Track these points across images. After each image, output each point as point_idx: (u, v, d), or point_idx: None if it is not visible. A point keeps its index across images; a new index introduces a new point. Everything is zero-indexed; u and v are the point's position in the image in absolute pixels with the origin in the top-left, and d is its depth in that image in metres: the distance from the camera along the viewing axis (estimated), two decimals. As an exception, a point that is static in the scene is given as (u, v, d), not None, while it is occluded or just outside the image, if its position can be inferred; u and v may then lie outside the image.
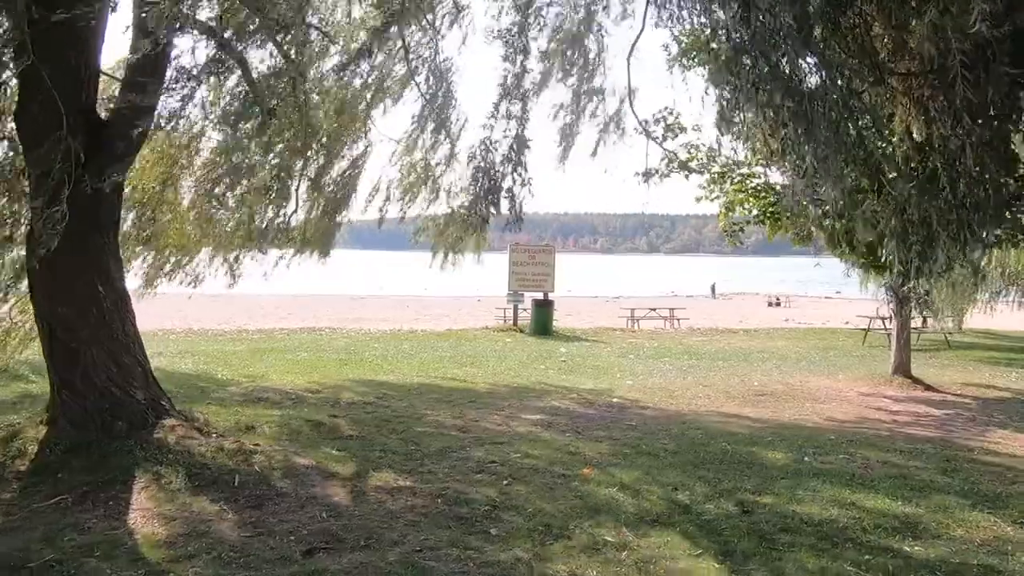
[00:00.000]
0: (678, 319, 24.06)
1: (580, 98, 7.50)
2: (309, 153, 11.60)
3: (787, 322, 28.54)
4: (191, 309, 33.05)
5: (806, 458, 7.03)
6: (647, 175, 11.62)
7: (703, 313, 30.95)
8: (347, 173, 12.54)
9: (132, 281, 12.39)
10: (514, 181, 6.91)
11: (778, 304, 49.82)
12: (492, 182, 6.70)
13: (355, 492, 5.77)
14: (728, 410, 9.73)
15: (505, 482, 6.08)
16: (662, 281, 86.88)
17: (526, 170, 6.94)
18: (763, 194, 11.77)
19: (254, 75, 9.08)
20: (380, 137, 12.47)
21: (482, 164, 6.28)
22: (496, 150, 6.35)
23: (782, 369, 13.79)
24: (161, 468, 5.98)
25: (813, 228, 11.75)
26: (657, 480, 6.26)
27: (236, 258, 12.03)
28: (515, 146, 6.15)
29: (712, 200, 12.78)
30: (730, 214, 12.18)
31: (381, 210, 12.39)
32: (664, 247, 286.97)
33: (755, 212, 12.00)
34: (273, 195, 11.31)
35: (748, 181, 12.03)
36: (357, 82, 11.05)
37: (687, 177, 11.87)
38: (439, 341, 17.72)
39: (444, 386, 11.17)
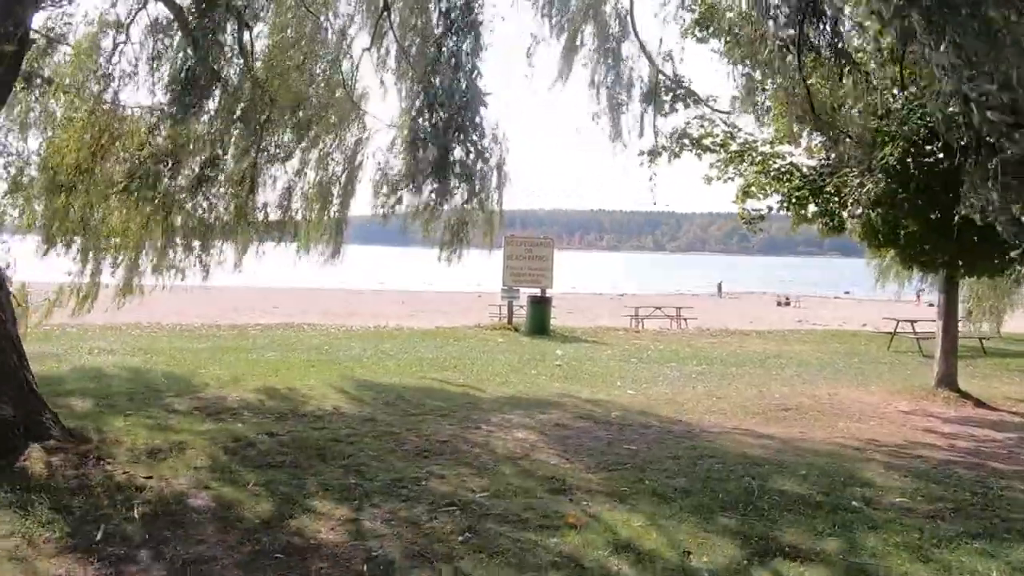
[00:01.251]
0: (685, 319, 22.52)
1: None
2: (286, 135, 10.15)
3: (800, 323, 26.98)
4: (175, 302, 31.72)
5: (855, 501, 5.50)
6: (654, 153, 10.13)
7: (711, 313, 29.41)
8: (336, 157, 11.09)
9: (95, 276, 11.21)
10: (467, 151, 5.46)
11: (787, 304, 48.29)
12: (440, 152, 5.22)
13: (253, 554, 4.26)
14: (748, 429, 8.21)
15: (462, 538, 4.56)
16: (667, 279, 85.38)
17: (483, 135, 5.48)
18: (788, 177, 10.23)
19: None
20: (376, 125, 11.16)
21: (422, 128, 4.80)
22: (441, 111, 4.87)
23: (804, 378, 12.24)
24: (6, 512, 4.49)
25: (847, 217, 10.23)
26: (665, 534, 4.74)
27: (202, 248, 10.59)
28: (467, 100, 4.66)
29: (725, 181, 11.24)
30: (748, 200, 10.63)
31: (380, 203, 10.95)
32: (670, 245, 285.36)
33: (779, 197, 10.45)
34: (241, 180, 9.86)
35: (771, 162, 10.48)
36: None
37: (700, 156, 10.34)
38: (424, 340, 16.22)
39: (418, 394, 9.67)
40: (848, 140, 9.01)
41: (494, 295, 22.67)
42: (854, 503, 5.45)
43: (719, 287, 61.09)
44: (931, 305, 48.25)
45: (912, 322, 16.77)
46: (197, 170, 8.37)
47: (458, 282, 57.52)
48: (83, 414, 7.72)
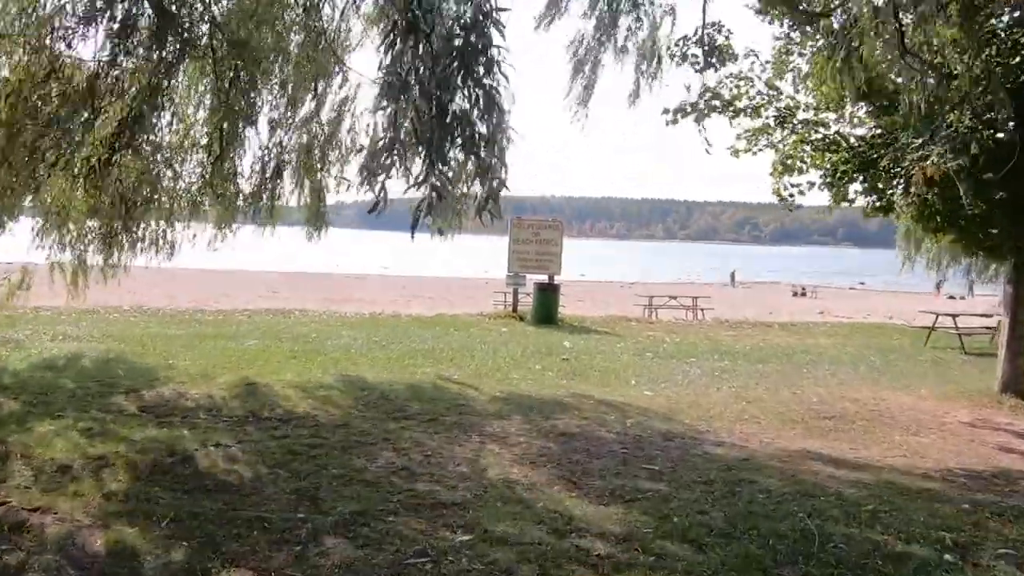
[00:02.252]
0: (702, 309, 21.20)
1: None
2: (263, 93, 8.90)
3: (822, 315, 25.61)
4: (168, 286, 30.59)
5: (948, 554, 4.24)
6: (678, 113, 8.84)
7: (727, 302, 28.06)
8: (319, 119, 9.82)
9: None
10: (471, 99, 4.20)
11: (803, 294, 46.86)
12: (429, 104, 3.92)
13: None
14: (788, 443, 6.95)
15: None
16: (678, 267, 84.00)
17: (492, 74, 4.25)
18: (835, 148, 8.90)
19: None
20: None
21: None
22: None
23: (840, 377, 10.95)
24: None
25: (897, 200, 8.92)
26: (705, 605, 3.52)
27: (166, 225, 9.39)
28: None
29: (756, 152, 9.92)
30: (785, 175, 9.31)
31: (363, 180, 9.69)
32: (680, 233, 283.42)
33: (822, 171, 9.12)
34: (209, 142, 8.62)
35: (813, 131, 9.16)
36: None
37: (731, 120, 9.03)
38: (422, 329, 15.01)
39: (405, 393, 8.46)
40: (912, 102, 7.69)
41: (502, 282, 21.46)
42: (947, 557, 4.19)
43: (732, 276, 59.64)
44: (951, 297, 46.89)
45: (954, 316, 15.41)
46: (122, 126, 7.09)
47: (465, 267, 56.61)
48: (3, 417, 6.56)
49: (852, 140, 9.04)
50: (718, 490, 5.31)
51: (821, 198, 10.13)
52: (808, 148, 9.16)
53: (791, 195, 9.32)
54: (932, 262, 23.11)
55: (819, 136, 9.16)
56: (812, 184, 9.24)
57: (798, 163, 9.21)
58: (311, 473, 5.35)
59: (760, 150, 9.89)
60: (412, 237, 4.78)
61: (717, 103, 8.96)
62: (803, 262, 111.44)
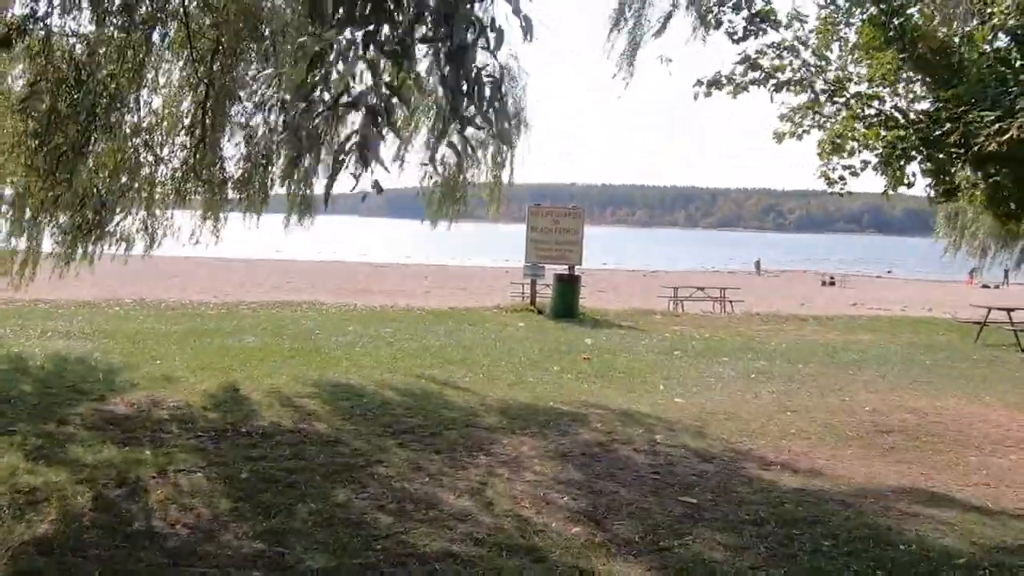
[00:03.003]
0: (730, 301, 20.11)
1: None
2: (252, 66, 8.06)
3: (856, 307, 24.38)
4: (184, 277, 30.07)
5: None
6: (712, 85, 7.84)
7: (755, 293, 26.91)
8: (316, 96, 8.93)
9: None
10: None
11: (832, 283, 45.46)
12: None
13: None
14: (847, 466, 5.97)
15: None
16: (701, 256, 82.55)
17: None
18: (893, 124, 7.82)
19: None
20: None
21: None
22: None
23: (891, 380, 9.91)
24: None
25: (963, 182, 7.83)
26: None
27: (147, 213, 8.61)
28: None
29: (801, 135, 8.89)
30: (834, 155, 8.23)
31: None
32: (703, 221, 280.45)
33: (876, 151, 8.03)
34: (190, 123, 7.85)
35: (866, 106, 8.08)
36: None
37: (772, 95, 7.98)
38: (434, 324, 14.14)
39: (407, 401, 7.59)
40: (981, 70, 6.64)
41: (520, 272, 20.49)
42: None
43: (757, 264, 58.20)
44: (985, 286, 45.15)
45: (1009, 310, 14.22)
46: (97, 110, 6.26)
47: (489, 257, 55.70)
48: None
49: (912, 115, 7.95)
50: (772, 535, 4.36)
51: (865, 184, 9.04)
52: (860, 125, 8.07)
53: (841, 178, 8.24)
54: (976, 249, 21.79)
55: (873, 111, 8.07)
56: (866, 164, 8.15)
57: (849, 142, 8.12)
58: (283, 509, 4.48)
59: (806, 132, 8.82)
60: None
61: (756, 75, 7.91)
62: (828, 250, 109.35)
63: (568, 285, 16.52)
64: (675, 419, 7.30)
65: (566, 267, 17.17)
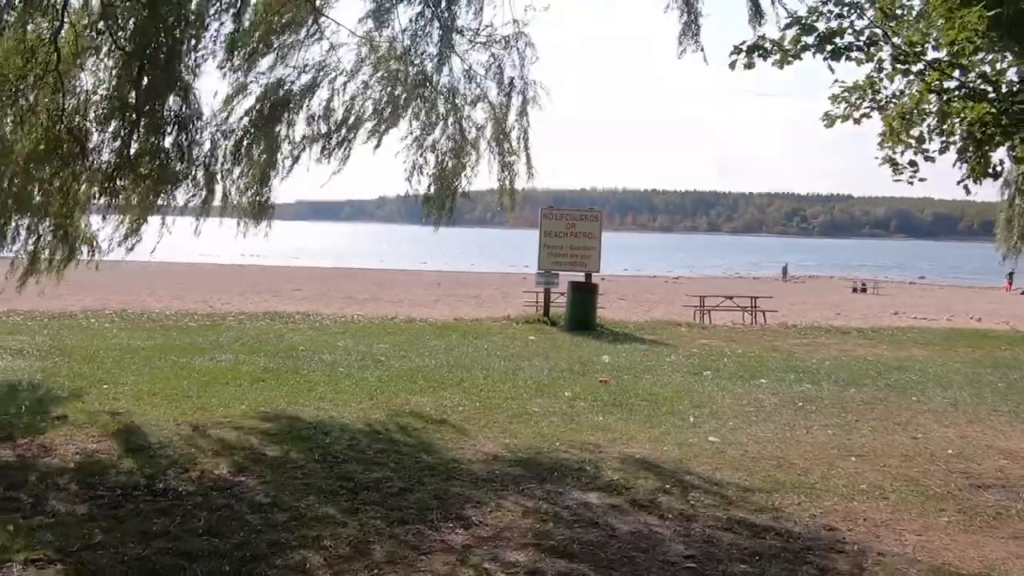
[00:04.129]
0: (762, 311, 18.50)
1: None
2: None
3: (898, 316, 22.65)
4: (190, 281, 29.03)
5: None
6: (754, 52, 6.37)
7: (785, 301, 25.22)
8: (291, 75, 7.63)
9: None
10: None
11: (864, 290, 43.51)
12: None
13: None
14: (948, 546, 4.45)
15: None
16: (724, 261, 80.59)
17: None
18: (977, 98, 6.29)
19: None
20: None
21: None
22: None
23: (965, 410, 8.33)
24: None
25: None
26: None
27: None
28: None
29: (860, 119, 7.40)
30: (902, 134, 6.70)
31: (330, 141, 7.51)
32: (725, 226, 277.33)
33: (956, 133, 6.51)
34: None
35: (945, 77, 6.55)
36: None
37: (830, 63, 6.48)
38: (435, 338, 12.75)
39: (378, 444, 6.20)
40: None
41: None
42: None
43: (784, 270, 56.30)
44: None
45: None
46: None
47: (503, 263, 54.47)
48: None
49: (1004, 87, 6.42)
50: None
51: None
52: (937, 100, 6.54)
53: (912, 163, 6.69)
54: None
55: (954, 83, 6.54)
56: (947, 145, 6.61)
57: (922, 120, 6.59)
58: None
59: (866, 115, 7.31)
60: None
61: (810, 39, 6.43)
62: (855, 255, 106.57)
63: (584, 294, 15.05)
64: (710, 468, 5.82)
65: (583, 274, 15.72)
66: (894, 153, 6.91)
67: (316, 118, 7.64)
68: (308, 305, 20.43)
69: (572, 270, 15.85)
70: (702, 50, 6.89)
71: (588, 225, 16.11)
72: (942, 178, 7.43)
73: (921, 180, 6.88)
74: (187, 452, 5.73)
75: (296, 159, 7.69)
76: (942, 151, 6.57)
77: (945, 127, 6.85)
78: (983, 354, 13.08)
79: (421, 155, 6.97)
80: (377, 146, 7.80)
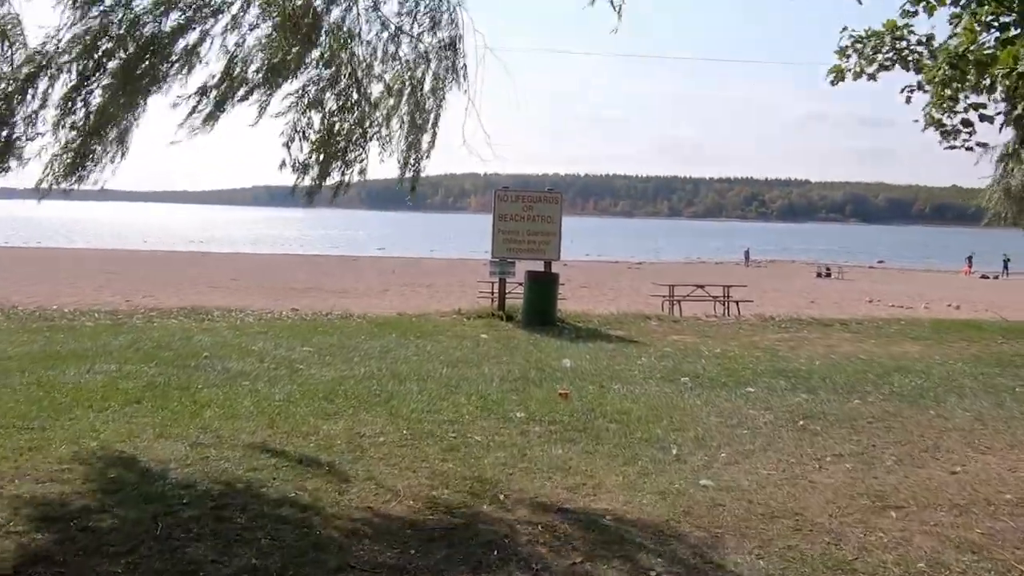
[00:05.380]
0: (736, 301, 17.13)
1: None
2: None
3: (873, 304, 21.58)
4: (128, 271, 26.57)
5: None
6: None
7: (756, 288, 23.95)
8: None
9: None
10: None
11: (828, 275, 42.96)
12: None
13: None
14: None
15: None
16: (687, 246, 79.94)
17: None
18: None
19: None
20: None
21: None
22: None
23: (995, 427, 6.97)
24: None
25: None
26: None
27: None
28: None
29: (875, 74, 6.02)
30: (948, 89, 5.23)
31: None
32: (686, 211, 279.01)
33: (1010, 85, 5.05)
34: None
35: (1001, 12, 5.07)
36: None
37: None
38: (371, 338, 11.02)
39: (255, 506, 4.51)
40: None
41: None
42: None
43: (746, 254, 55.64)
44: (985, 277, 42.63)
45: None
46: None
47: (466, 249, 52.72)
48: None
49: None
50: None
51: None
52: (992, 40, 5.07)
53: (966, 123, 5.21)
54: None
55: (1012, 17, 5.07)
56: (1011, 104, 5.14)
57: (973, 67, 5.11)
58: None
59: (885, 65, 5.84)
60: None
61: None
62: (808, 239, 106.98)
63: (543, 285, 13.46)
64: (710, 535, 4.27)
65: (541, 263, 14.13)
66: (941, 114, 5.41)
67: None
68: (239, 298, 18.52)
69: (530, 258, 14.24)
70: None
71: (548, 208, 14.48)
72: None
73: (980, 145, 5.39)
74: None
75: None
76: (1010, 109, 5.08)
77: (991, 82, 5.37)
78: (980, 349, 11.85)
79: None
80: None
